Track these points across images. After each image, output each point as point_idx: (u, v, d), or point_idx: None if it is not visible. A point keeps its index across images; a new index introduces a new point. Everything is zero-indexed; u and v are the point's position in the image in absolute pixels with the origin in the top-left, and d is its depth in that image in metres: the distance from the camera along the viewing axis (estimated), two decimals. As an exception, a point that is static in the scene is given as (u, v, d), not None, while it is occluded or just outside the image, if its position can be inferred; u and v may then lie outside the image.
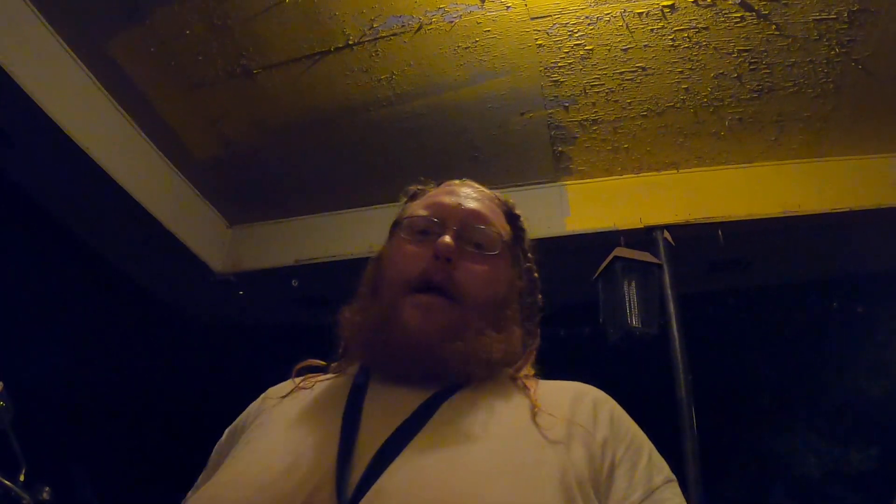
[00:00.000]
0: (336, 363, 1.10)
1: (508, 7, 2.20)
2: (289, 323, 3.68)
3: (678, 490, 0.93)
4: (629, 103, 2.57)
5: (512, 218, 1.17)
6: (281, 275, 3.15)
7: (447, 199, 1.09)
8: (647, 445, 0.97)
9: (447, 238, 0.99)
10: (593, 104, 2.57)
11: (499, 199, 1.17)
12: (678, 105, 2.57)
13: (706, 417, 2.48)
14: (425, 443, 0.86)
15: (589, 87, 2.50)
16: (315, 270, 3.09)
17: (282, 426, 0.96)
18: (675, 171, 2.90)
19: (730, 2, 2.17)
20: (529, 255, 1.17)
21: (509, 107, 2.60)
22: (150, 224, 2.81)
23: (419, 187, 1.22)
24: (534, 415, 0.91)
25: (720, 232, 2.79)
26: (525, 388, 1.00)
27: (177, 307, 3.58)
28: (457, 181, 1.18)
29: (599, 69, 2.43)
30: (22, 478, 1.58)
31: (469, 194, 1.11)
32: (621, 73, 2.44)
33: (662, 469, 0.94)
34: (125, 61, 2.43)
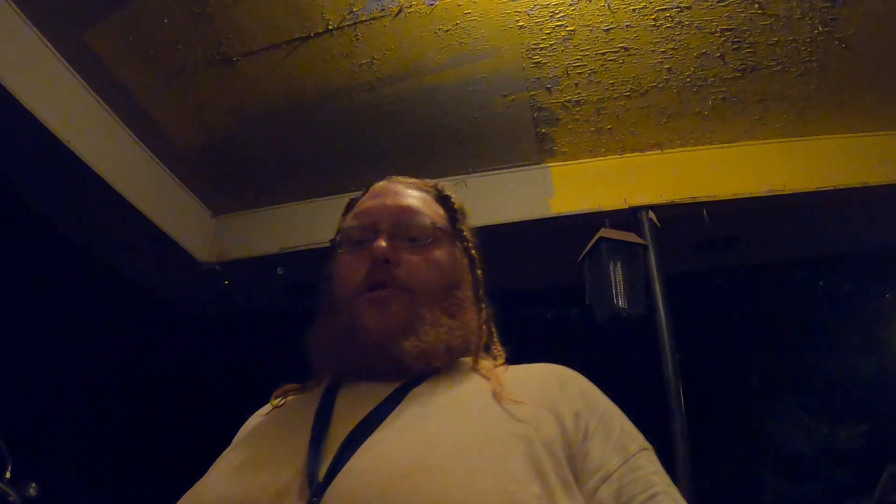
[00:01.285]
0: (311, 382, 1.13)
1: (489, -12, 2.19)
2: (275, 311, 3.67)
3: (654, 457, 0.96)
4: (612, 84, 2.55)
5: (444, 200, 1.21)
6: (266, 263, 3.14)
7: (373, 203, 1.14)
8: (620, 416, 0.99)
9: (381, 241, 1.05)
10: (576, 85, 2.56)
11: (427, 186, 1.22)
12: (661, 85, 2.56)
13: (694, 397, 2.49)
14: (393, 426, 0.89)
15: (571, 69, 2.48)
16: (300, 258, 3.07)
17: (257, 438, 1.02)
18: (659, 152, 2.89)
19: (712, -20, 2.16)
20: (466, 233, 1.20)
21: (491, 89, 2.58)
22: (133, 215, 2.78)
23: (352, 197, 1.26)
24: (498, 398, 0.94)
25: (705, 211, 2.79)
26: (486, 374, 1.03)
27: (162, 298, 3.56)
28: (382, 182, 1.22)
29: (581, 50, 2.41)
30: (8, 475, 1.58)
31: (396, 191, 1.16)
32: (604, 54, 2.43)
33: (636, 438, 0.97)
34: (103, 51, 2.39)
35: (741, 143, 2.87)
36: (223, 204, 3.25)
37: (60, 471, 2.79)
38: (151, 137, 2.79)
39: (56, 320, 3.01)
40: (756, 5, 2.23)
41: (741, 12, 2.26)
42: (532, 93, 2.60)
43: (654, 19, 2.29)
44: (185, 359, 3.50)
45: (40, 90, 2.29)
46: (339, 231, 1.18)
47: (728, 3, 2.23)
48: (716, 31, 2.33)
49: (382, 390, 0.97)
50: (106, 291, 3.39)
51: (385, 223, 1.09)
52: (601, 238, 2.62)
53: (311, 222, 3.11)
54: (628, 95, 2.61)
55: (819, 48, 2.39)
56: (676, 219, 2.82)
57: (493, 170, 2.90)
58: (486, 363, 1.08)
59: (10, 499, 1.57)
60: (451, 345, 1.04)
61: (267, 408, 1.12)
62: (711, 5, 2.24)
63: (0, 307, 2.67)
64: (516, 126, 2.75)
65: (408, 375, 1.00)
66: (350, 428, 0.89)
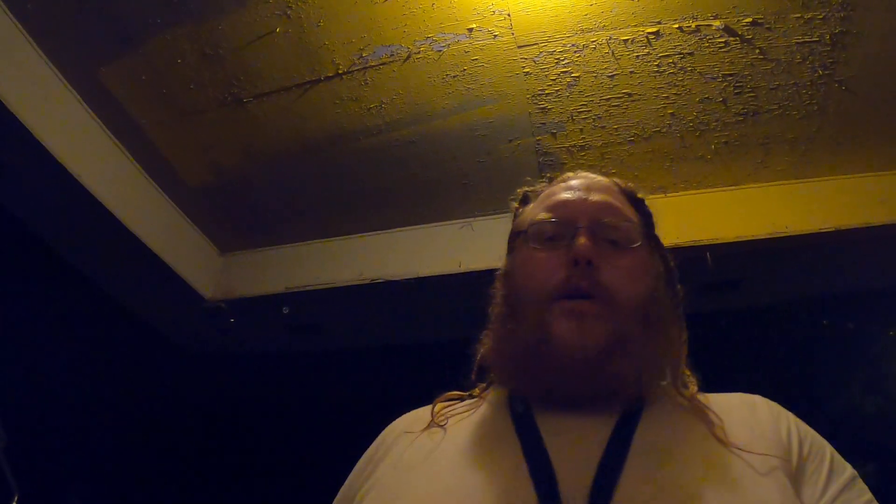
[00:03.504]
0: (476, 392, 1.01)
1: (495, 36, 2.23)
2: (280, 351, 3.66)
3: (864, 485, 0.88)
4: (616, 129, 2.59)
5: (637, 203, 1.06)
6: (272, 302, 3.15)
7: (570, 196, 0.98)
8: (828, 446, 0.92)
9: (583, 239, 0.89)
10: (581, 130, 2.60)
11: (619, 185, 1.07)
12: (664, 130, 2.60)
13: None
14: (635, 480, 0.76)
15: (576, 114, 2.52)
16: (306, 298, 3.09)
17: (446, 464, 0.85)
18: (663, 195, 2.92)
19: (714, 27, 2.20)
20: (660, 241, 1.06)
21: (497, 134, 2.62)
22: (141, 251, 2.80)
23: (528, 189, 1.12)
24: (728, 443, 0.84)
25: (709, 254, 2.80)
26: (702, 408, 0.91)
27: (167, 335, 3.56)
28: (569, 173, 1.07)
29: (586, 96, 2.45)
30: (15, 504, 1.58)
31: (590, 186, 1.00)
32: (608, 100, 2.47)
33: (847, 466, 0.89)
34: (117, 89, 2.44)
35: (744, 186, 2.89)
36: (230, 242, 3.27)
37: (67, 502, 2.77)
38: (161, 175, 2.83)
39: (60, 355, 3.00)
40: (757, 50, 2.28)
41: (742, 57, 2.30)
42: (537, 138, 2.63)
43: (657, 65, 2.33)
44: (189, 396, 3.50)
45: (53, 125, 2.33)
46: (522, 224, 1.02)
47: (729, 49, 2.27)
48: (718, 77, 2.38)
49: (598, 427, 0.83)
50: (111, 327, 3.39)
51: (585, 219, 0.93)
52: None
53: (318, 263, 3.13)
54: (632, 140, 2.64)
55: (819, 91, 2.43)
56: (680, 262, 2.82)
57: (499, 213, 2.90)
58: (690, 393, 0.95)
59: (18, 529, 1.57)
60: (660, 369, 0.92)
61: (421, 417, 0.97)
62: (713, 51, 2.28)
63: (8, 342, 2.68)
64: (521, 170, 2.77)
65: (614, 405, 0.86)
66: (585, 480, 0.76)
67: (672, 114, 2.52)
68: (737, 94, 2.45)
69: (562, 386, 0.86)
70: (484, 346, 0.99)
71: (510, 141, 2.65)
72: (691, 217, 2.85)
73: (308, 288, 3.08)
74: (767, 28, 2.20)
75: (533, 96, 2.45)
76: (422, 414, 0.99)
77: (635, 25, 2.21)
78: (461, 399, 1.01)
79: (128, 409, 3.28)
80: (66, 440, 2.89)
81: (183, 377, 3.50)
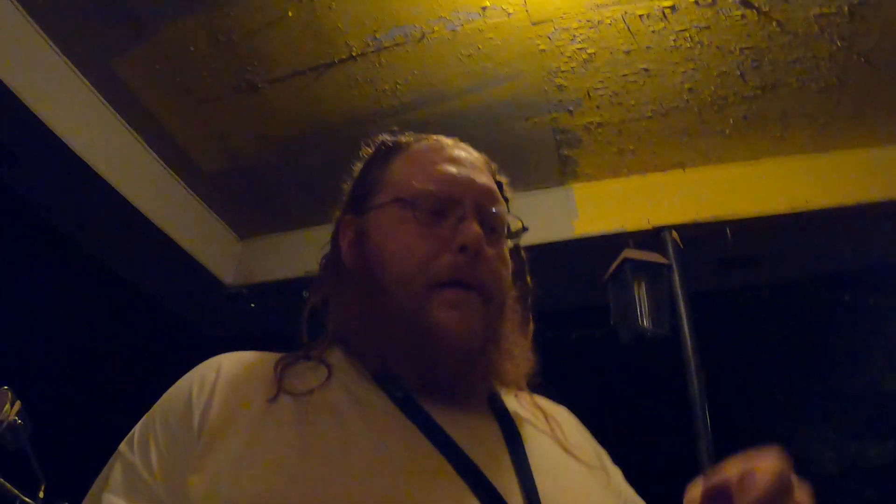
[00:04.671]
0: (314, 353, 0.90)
1: (509, 13, 2.21)
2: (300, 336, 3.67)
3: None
4: (633, 105, 2.57)
5: (500, 185, 1.00)
6: (292, 286, 3.16)
7: (455, 172, 0.91)
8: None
9: (475, 226, 0.85)
10: (597, 107, 2.58)
11: (489, 164, 1.01)
12: (682, 105, 2.57)
13: (720, 416, 2.48)
14: (542, 479, 0.79)
15: (592, 91, 2.50)
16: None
17: (346, 467, 0.74)
18: (682, 171, 2.90)
19: (730, 0, 2.17)
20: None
21: (514, 112, 2.61)
22: (161, 240, 2.83)
23: (393, 139, 1.04)
24: (567, 447, 0.91)
25: (728, 230, 2.79)
26: (537, 407, 0.96)
27: (190, 321, 3.59)
28: (448, 140, 1.00)
29: (602, 72, 2.43)
30: (41, 494, 1.59)
31: (474, 164, 0.95)
32: (624, 76, 2.45)
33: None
34: (130, 79, 2.45)
35: (763, 161, 2.86)
36: (249, 228, 3.29)
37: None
38: (178, 163, 2.84)
39: (82, 345, 3.04)
40: (774, 23, 2.24)
41: (760, 30, 2.27)
42: (554, 115, 2.62)
43: (673, 40, 2.31)
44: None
45: (69, 118, 2.35)
46: (398, 185, 0.93)
47: (747, 22, 2.24)
48: (735, 50, 2.35)
49: (481, 421, 0.85)
50: (134, 315, 3.43)
51: (471, 202, 0.88)
52: (625, 259, 2.62)
53: (336, 246, 3.11)
54: (650, 116, 2.62)
55: (838, 63, 2.40)
56: (699, 238, 2.81)
57: (517, 191, 2.86)
58: (525, 391, 0.96)
59: (45, 518, 1.59)
60: (522, 367, 0.91)
61: (249, 379, 0.84)
62: (730, 24, 2.25)
63: (32, 333, 2.71)
64: (539, 148, 2.77)
65: (479, 399, 0.88)
66: (513, 486, 0.76)
67: (689, 89, 2.50)
68: (755, 67, 2.42)
69: (441, 375, 0.83)
70: (336, 310, 0.93)
71: (526, 119, 2.64)
72: (710, 193, 2.83)
73: (328, 272, 3.07)
74: (785, 0, 2.17)
75: (549, 74, 2.43)
76: (248, 370, 0.86)
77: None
78: (295, 359, 0.89)
79: (152, 397, 3.31)
80: (90, 428, 2.92)
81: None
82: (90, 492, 0.81)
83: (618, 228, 2.83)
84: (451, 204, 0.88)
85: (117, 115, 2.58)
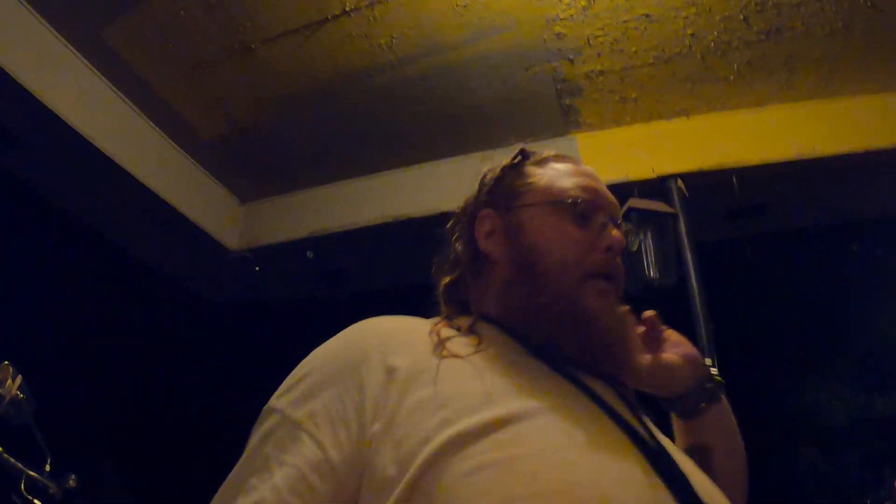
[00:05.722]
0: (452, 322, 1.00)
1: (506, -40, 2.16)
2: (306, 298, 3.69)
3: None
4: (635, 52, 2.52)
5: None
6: (296, 248, 3.16)
7: (595, 185, 1.09)
8: None
9: (617, 232, 1.03)
10: (598, 55, 2.53)
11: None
12: (685, 51, 2.52)
13: (729, 367, 2.47)
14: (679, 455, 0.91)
15: (593, 38, 2.45)
16: (330, 241, 3.09)
17: (512, 396, 0.82)
18: (686, 119, 2.85)
19: (733, -60, 2.12)
20: None
21: (513, 63, 2.56)
22: (162, 208, 2.83)
23: (527, 149, 1.18)
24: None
25: (734, 178, 2.75)
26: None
27: (194, 288, 3.60)
28: (565, 156, 1.17)
29: (602, 19, 2.38)
30: (47, 468, 1.60)
31: (598, 180, 1.12)
32: (625, 22, 2.39)
33: None
34: (122, 48, 2.43)
35: (769, 107, 2.81)
36: (250, 191, 3.27)
37: (99, 461, 2.83)
38: (175, 130, 2.82)
39: (89, 317, 3.05)
40: (779, -36, 2.19)
41: (764, -28, 2.22)
42: (554, 64, 2.57)
43: (675, -17, 2.26)
44: (218, 347, 3.54)
45: (62, 92, 2.33)
46: (551, 189, 1.07)
47: (751, -37, 2.19)
48: (738, -7, 2.29)
49: (616, 396, 0.95)
50: (138, 283, 3.44)
51: (610, 212, 1.07)
52: (630, 208, 2.59)
53: (339, 205, 3.12)
54: (652, 63, 2.57)
55: (844, 7, 2.34)
56: (705, 186, 2.78)
57: (519, 143, 2.83)
58: None
59: (51, 491, 1.59)
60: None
61: (410, 342, 0.90)
62: (733, -35, 2.20)
63: (34, 308, 2.72)
64: (540, 98, 2.73)
65: (611, 376, 1.00)
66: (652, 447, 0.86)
67: (692, 34, 2.45)
68: (758, 11, 2.36)
69: (594, 350, 0.96)
70: (479, 289, 1.07)
71: (526, 69, 2.59)
72: (715, 140, 2.79)
73: (331, 231, 3.08)
74: (789, -62, 2.12)
75: (547, 21, 2.38)
76: (407, 333, 0.94)
77: (650, -59, 2.13)
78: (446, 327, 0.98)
79: (159, 363, 3.33)
80: (96, 399, 2.94)
81: (212, 329, 3.55)
82: (260, 457, 0.84)
83: (622, 178, 2.78)
84: (595, 212, 1.05)
85: (111, 85, 2.56)
